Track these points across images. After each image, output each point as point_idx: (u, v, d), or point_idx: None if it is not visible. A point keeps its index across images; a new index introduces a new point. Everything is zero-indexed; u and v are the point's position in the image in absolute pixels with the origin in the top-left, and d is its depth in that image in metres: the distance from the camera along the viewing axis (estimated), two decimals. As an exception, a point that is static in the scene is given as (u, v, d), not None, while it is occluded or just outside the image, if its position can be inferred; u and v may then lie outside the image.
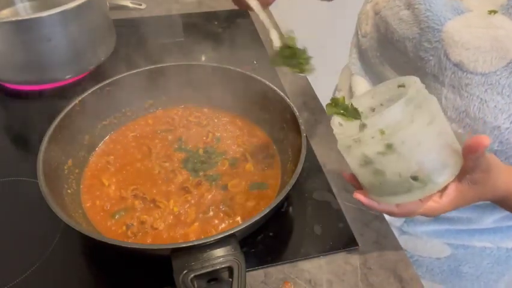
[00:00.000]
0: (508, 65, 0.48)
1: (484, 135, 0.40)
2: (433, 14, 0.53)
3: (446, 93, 0.54)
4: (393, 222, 0.70)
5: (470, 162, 0.41)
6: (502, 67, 0.49)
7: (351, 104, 0.44)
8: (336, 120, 0.44)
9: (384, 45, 0.62)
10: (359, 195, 0.46)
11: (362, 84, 0.69)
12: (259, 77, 0.67)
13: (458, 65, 0.52)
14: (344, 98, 0.44)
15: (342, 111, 0.44)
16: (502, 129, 0.51)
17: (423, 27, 0.54)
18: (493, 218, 0.64)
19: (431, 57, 0.54)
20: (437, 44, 0.53)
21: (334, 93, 0.86)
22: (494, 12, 0.51)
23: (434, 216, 0.46)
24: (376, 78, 0.67)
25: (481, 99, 0.51)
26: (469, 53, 0.51)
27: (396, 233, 0.71)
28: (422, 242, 0.70)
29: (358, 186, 0.48)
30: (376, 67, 0.65)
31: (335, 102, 0.44)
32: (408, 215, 0.46)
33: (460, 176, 0.42)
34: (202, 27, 1.03)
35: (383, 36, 0.61)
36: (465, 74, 0.51)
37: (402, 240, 0.71)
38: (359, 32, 0.69)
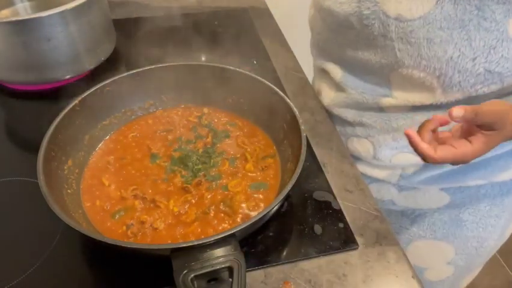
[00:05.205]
0: (437, 2, 0.54)
1: (456, 106, 0.46)
2: None
3: (397, 46, 0.60)
4: (390, 179, 0.73)
5: (468, 125, 0.49)
6: (433, 5, 0.55)
7: None
8: None
9: (336, 30, 0.69)
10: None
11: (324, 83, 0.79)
12: (259, 77, 0.67)
13: (398, 18, 0.58)
14: None
15: None
16: (454, 58, 0.56)
17: None
18: None
19: (373, 21, 0.61)
20: (375, 8, 0.60)
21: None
22: None
23: (465, 163, 0.51)
24: (341, 64, 0.73)
25: (427, 39, 0.57)
26: (402, 5, 0.57)
27: (394, 191, 0.75)
28: (421, 193, 0.74)
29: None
30: (336, 53, 0.72)
31: None
32: (443, 161, 0.49)
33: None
34: (202, 27, 1.03)
35: (332, 23, 0.68)
36: (406, 23, 0.57)
37: (401, 197, 0.76)
38: (315, 35, 0.77)
